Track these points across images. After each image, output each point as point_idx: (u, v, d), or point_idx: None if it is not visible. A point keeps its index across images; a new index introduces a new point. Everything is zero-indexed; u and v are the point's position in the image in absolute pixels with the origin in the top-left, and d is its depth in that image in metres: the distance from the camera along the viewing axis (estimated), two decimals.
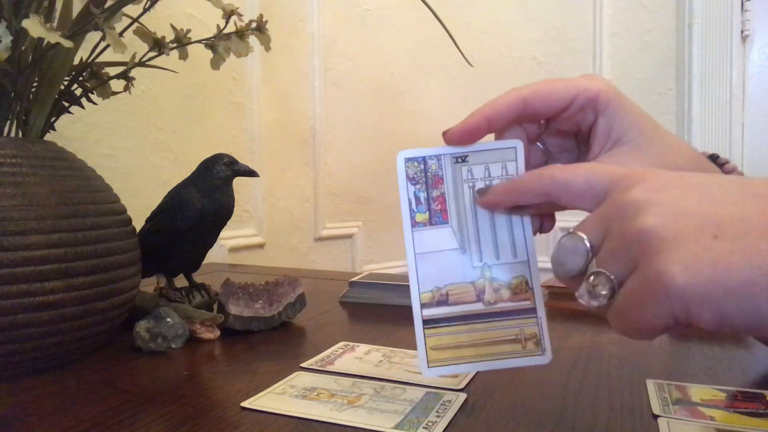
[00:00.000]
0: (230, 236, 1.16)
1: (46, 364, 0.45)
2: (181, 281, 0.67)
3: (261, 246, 1.26)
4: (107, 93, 0.59)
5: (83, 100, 0.57)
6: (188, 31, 0.58)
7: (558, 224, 0.36)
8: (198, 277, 0.68)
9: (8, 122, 0.49)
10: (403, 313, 0.65)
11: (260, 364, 0.47)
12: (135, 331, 0.50)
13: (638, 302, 0.24)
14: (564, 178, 0.30)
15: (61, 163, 0.48)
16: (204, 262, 0.68)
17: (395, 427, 0.34)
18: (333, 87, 1.44)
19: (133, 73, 0.59)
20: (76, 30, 0.48)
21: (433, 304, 0.34)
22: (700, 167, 0.35)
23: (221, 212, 0.63)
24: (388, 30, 1.55)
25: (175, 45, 0.57)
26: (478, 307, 0.34)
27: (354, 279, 0.74)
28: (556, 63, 1.61)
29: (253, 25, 0.59)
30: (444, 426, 0.35)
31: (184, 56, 0.59)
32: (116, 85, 0.59)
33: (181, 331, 0.50)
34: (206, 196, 0.61)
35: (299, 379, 0.43)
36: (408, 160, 0.35)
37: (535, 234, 0.35)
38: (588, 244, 0.27)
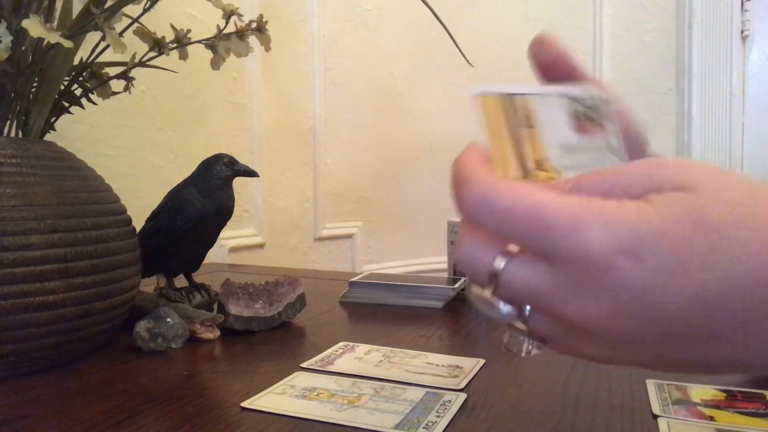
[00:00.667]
0: (230, 236, 1.16)
1: (46, 364, 0.45)
2: (181, 281, 0.67)
3: (261, 246, 1.26)
4: (107, 93, 0.59)
5: (83, 100, 0.57)
6: (188, 31, 0.58)
7: None
8: (198, 277, 0.68)
9: (8, 122, 0.49)
10: (404, 313, 0.66)
11: (260, 364, 0.47)
12: (135, 331, 0.50)
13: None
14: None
15: (61, 163, 0.48)
16: (204, 262, 0.68)
17: (395, 427, 0.34)
18: (333, 87, 1.44)
19: (133, 73, 0.59)
20: (76, 30, 0.48)
21: None
22: None
23: (221, 212, 0.63)
24: (388, 30, 1.55)
25: (175, 45, 0.57)
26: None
27: (354, 279, 0.74)
28: None
29: (253, 25, 0.59)
30: (444, 426, 0.35)
31: (184, 56, 0.59)
32: (116, 85, 0.59)
33: (181, 331, 0.50)
34: (206, 196, 0.61)
35: (299, 379, 0.43)
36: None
37: None
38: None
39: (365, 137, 1.50)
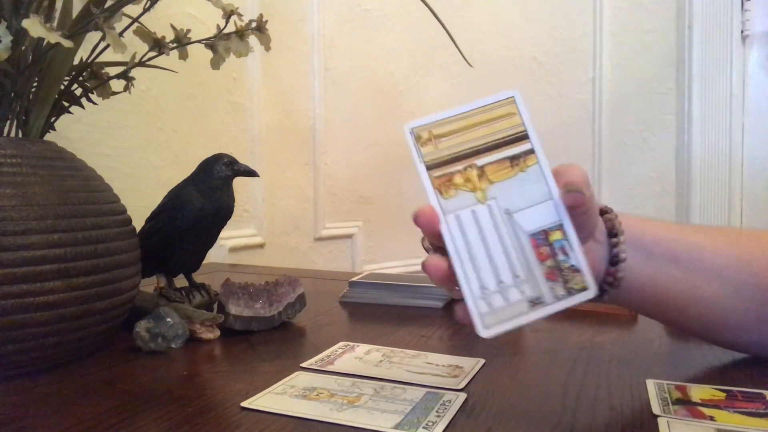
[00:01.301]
0: (230, 236, 1.16)
1: (46, 364, 0.45)
2: (181, 281, 0.67)
3: (261, 246, 1.26)
4: (107, 93, 0.59)
5: (83, 100, 0.57)
6: (188, 31, 0.58)
7: None
8: (198, 277, 0.68)
9: (8, 122, 0.49)
10: (403, 313, 0.66)
11: (260, 364, 0.47)
12: (135, 331, 0.50)
13: None
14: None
15: (61, 163, 0.48)
16: (204, 262, 0.68)
17: (395, 427, 0.34)
18: (333, 87, 1.44)
19: (133, 73, 0.59)
20: (76, 30, 0.48)
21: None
22: None
23: (221, 212, 0.63)
24: (388, 30, 1.55)
25: (175, 45, 0.57)
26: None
27: (354, 279, 0.74)
28: (556, 63, 1.61)
29: (253, 25, 0.59)
30: (444, 426, 0.35)
31: (184, 56, 0.59)
32: (116, 85, 0.59)
33: (181, 331, 0.50)
34: (206, 196, 0.61)
35: (299, 379, 0.43)
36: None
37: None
38: None
39: (365, 137, 1.50)
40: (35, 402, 0.39)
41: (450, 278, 0.35)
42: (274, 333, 0.57)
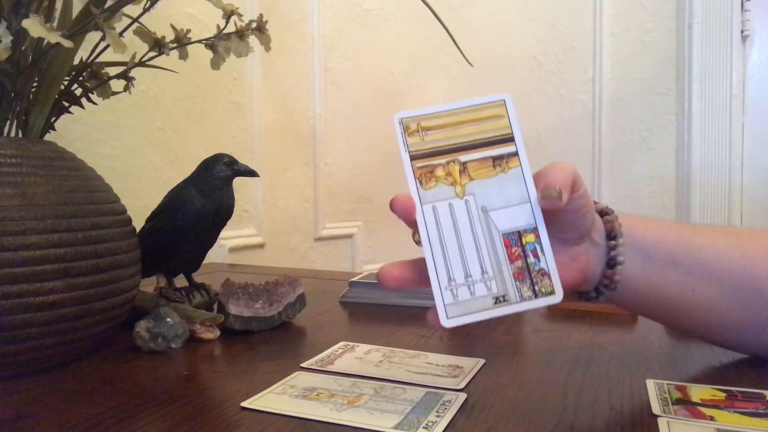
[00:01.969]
0: (230, 236, 1.16)
1: (46, 364, 0.45)
2: (181, 281, 0.67)
3: (261, 246, 1.26)
4: (107, 93, 0.59)
5: (83, 100, 0.57)
6: (188, 31, 0.58)
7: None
8: (198, 277, 0.68)
9: (8, 122, 0.49)
10: (403, 313, 0.65)
11: (260, 364, 0.47)
12: (135, 331, 0.50)
13: None
14: None
15: (61, 163, 0.48)
16: (204, 262, 0.68)
17: (395, 427, 0.34)
18: (333, 87, 1.44)
19: (133, 73, 0.59)
20: (76, 30, 0.48)
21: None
22: None
23: (221, 212, 0.63)
24: (388, 30, 1.55)
25: (175, 45, 0.57)
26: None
27: (354, 279, 0.74)
28: (556, 63, 1.61)
29: (253, 25, 0.59)
30: (444, 426, 0.35)
31: (184, 56, 0.59)
32: (116, 85, 0.59)
33: (181, 331, 0.50)
34: (206, 196, 0.61)
35: (299, 379, 0.43)
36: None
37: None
38: None
39: (365, 137, 1.50)
40: (35, 402, 0.39)
41: (404, 284, 0.37)
42: (274, 333, 0.57)
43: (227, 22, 0.58)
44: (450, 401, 0.38)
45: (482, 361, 0.47)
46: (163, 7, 0.96)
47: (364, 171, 1.50)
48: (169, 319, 0.50)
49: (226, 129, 1.17)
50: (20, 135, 0.50)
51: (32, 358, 0.44)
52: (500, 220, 0.36)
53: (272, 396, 0.40)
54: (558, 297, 0.35)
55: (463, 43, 0.62)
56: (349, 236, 1.52)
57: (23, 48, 0.48)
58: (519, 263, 0.35)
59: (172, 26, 0.58)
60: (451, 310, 0.35)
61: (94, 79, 0.57)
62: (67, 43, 0.44)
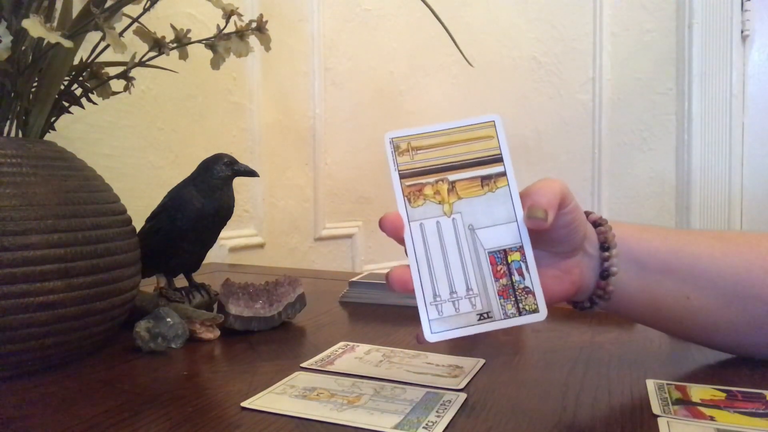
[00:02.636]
0: (230, 236, 1.16)
1: (46, 364, 0.45)
2: (181, 281, 0.67)
3: (261, 246, 1.26)
4: (107, 93, 0.59)
5: (83, 100, 0.57)
6: (188, 31, 0.58)
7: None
8: (198, 277, 0.68)
9: (8, 122, 0.49)
10: (403, 313, 0.65)
11: (260, 364, 0.47)
12: (135, 331, 0.50)
13: None
14: None
15: (61, 163, 0.48)
16: (204, 262, 0.68)
17: (395, 427, 0.34)
18: (333, 87, 1.44)
19: (133, 73, 0.59)
20: (76, 30, 0.48)
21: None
22: None
23: (221, 212, 0.63)
24: (388, 30, 1.55)
25: (175, 45, 0.57)
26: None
27: (354, 279, 0.74)
28: (556, 63, 1.61)
29: (253, 25, 0.59)
30: (444, 426, 0.35)
31: (184, 56, 0.59)
32: (116, 85, 0.59)
33: (181, 331, 0.50)
34: (206, 196, 0.61)
35: (299, 379, 0.43)
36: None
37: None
38: None
39: (365, 137, 1.50)
40: (35, 402, 0.39)
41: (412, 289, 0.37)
42: (274, 333, 0.57)
43: (227, 22, 0.58)
44: (450, 401, 0.38)
45: (482, 361, 0.47)
46: (163, 7, 0.96)
47: (364, 171, 1.50)
48: (169, 319, 0.50)
49: (226, 129, 1.17)
50: (20, 135, 0.50)
51: (32, 358, 0.44)
52: (486, 238, 0.37)
53: (272, 396, 0.40)
54: (542, 315, 0.36)
55: (463, 43, 0.62)
56: (349, 236, 1.52)
57: (23, 48, 0.48)
58: (504, 281, 0.36)
59: (172, 26, 0.58)
60: (436, 326, 0.36)
61: (94, 79, 0.57)
62: (67, 43, 0.44)
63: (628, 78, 1.54)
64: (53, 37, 0.43)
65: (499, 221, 0.37)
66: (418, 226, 0.37)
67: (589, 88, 1.58)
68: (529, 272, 0.36)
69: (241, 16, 0.59)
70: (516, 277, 0.36)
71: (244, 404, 0.38)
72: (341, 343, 0.52)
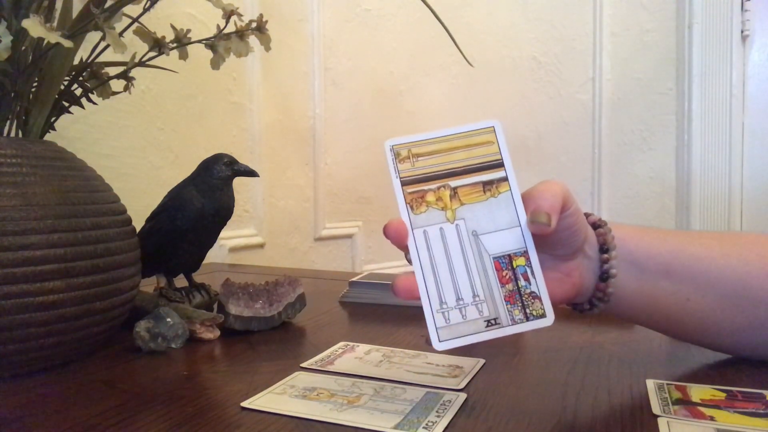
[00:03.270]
0: (230, 236, 1.16)
1: (46, 364, 0.45)
2: (181, 281, 0.67)
3: (261, 246, 1.26)
4: (107, 93, 0.59)
5: (83, 100, 0.57)
6: (188, 31, 0.58)
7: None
8: (198, 277, 0.68)
9: (8, 122, 0.49)
10: (403, 313, 0.65)
11: (260, 364, 0.47)
12: (135, 331, 0.50)
13: None
14: None
15: (61, 163, 0.48)
16: (204, 262, 0.68)
17: (395, 427, 0.34)
18: (333, 87, 1.44)
19: (133, 73, 0.59)
20: (76, 30, 0.48)
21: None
22: None
23: (221, 212, 0.63)
24: (388, 30, 1.55)
25: (175, 45, 0.57)
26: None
27: (354, 279, 0.74)
28: (556, 63, 1.61)
29: (253, 25, 0.59)
30: (444, 426, 0.35)
31: (184, 56, 0.59)
32: (116, 85, 0.59)
33: (181, 331, 0.50)
34: (206, 196, 0.61)
35: (299, 379, 0.43)
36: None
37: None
38: None
39: (365, 137, 1.50)
40: (35, 402, 0.39)
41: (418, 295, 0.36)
42: (274, 333, 0.57)
43: (227, 22, 0.58)
44: (450, 401, 0.38)
45: (482, 361, 0.47)
46: (163, 7, 0.96)
47: (364, 171, 1.50)
48: (169, 319, 0.50)
49: (226, 129, 1.17)
50: (20, 135, 0.50)
51: (32, 358, 0.44)
52: (491, 243, 0.36)
53: (272, 396, 0.40)
54: (549, 320, 0.36)
55: (463, 44, 0.62)
56: (349, 236, 1.52)
57: (23, 48, 0.48)
58: (510, 286, 0.36)
59: (172, 26, 0.58)
60: (443, 333, 0.35)
61: (94, 79, 0.57)
62: (67, 43, 0.44)
63: (628, 78, 1.54)
64: (53, 37, 0.43)
65: (502, 226, 0.37)
66: (421, 233, 0.36)
67: (589, 88, 1.58)
68: (534, 277, 0.36)
69: (241, 16, 0.59)
70: (522, 282, 0.36)
71: (244, 404, 0.38)
72: (341, 343, 0.52)
